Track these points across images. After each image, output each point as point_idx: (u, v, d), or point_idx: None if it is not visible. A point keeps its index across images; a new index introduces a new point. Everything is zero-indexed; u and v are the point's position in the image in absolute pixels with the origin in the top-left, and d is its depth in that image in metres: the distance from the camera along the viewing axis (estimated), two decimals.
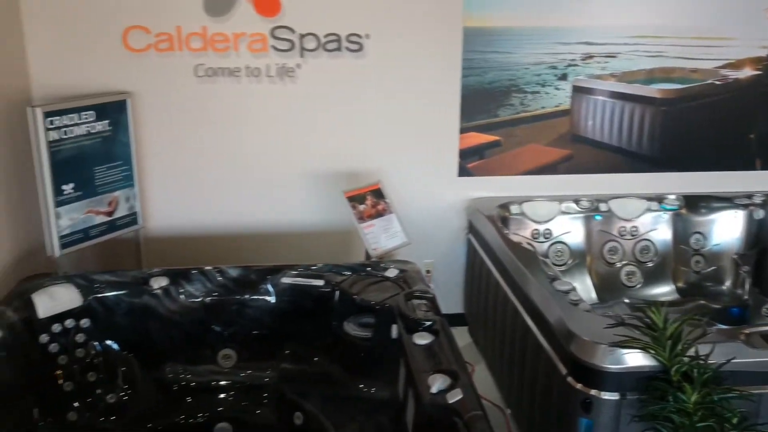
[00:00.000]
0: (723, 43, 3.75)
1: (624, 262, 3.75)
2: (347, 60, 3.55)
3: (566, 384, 2.38)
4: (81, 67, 3.40)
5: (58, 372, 2.73)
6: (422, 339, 2.42)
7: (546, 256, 3.65)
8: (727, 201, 3.81)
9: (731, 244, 3.80)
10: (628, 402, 2.28)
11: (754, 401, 2.26)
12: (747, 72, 3.81)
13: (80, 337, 2.82)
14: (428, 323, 2.50)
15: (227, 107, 3.56)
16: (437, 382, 2.14)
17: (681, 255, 3.78)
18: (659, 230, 3.78)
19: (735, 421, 2.19)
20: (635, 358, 2.25)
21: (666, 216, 3.79)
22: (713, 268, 3.78)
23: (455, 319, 3.82)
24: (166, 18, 3.39)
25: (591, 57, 3.69)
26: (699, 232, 3.80)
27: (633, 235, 3.76)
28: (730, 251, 3.79)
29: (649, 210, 3.78)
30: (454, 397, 2.05)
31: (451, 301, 3.94)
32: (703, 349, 2.25)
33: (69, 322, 2.78)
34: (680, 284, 3.75)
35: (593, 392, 2.29)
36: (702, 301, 3.62)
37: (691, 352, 2.24)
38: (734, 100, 3.83)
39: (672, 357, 2.20)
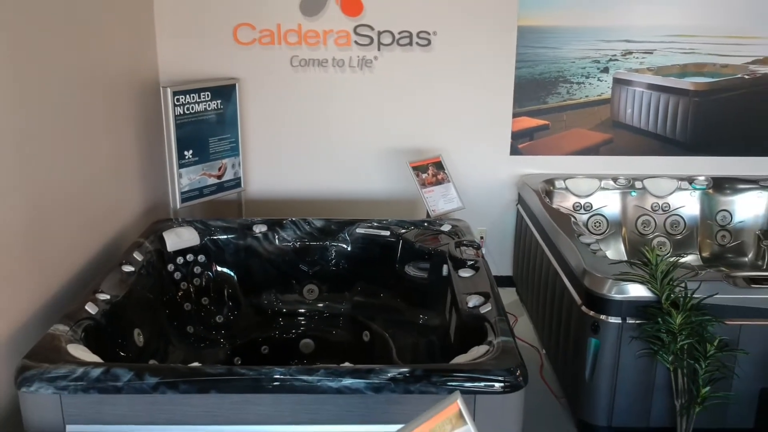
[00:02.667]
0: (753, 41, 4.18)
1: (655, 234, 4.23)
2: (417, 53, 4.17)
3: (581, 312, 2.95)
4: (199, 56, 4.14)
5: (180, 294, 3.46)
6: (466, 273, 3.03)
7: (585, 225, 4.18)
8: (752, 183, 4.24)
9: (755, 222, 4.22)
10: (628, 325, 2.84)
11: (725, 325, 2.76)
12: None
13: (197, 269, 3.53)
14: (471, 262, 3.11)
15: (316, 92, 4.23)
16: (473, 300, 2.75)
17: (707, 229, 4.24)
18: (688, 207, 4.24)
19: (716, 343, 2.72)
20: (634, 289, 2.81)
21: (695, 194, 4.25)
22: (737, 242, 4.22)
23: (504, 281, 4.39)
24: (268, 17, 4.09)
25: (630, 53, 4.20)
26: (725, 210, 4.25)
27: (664, 211, 4.24)
28: (754, 228, 4.21)
29: (679, 189, 4.25)
30: (485, 309, 2.64)
31: (501, 265, 4.50)
32: (693, 285, 2.78)
33: (189, 256, 3.50)
34: (705, 254, 4.21)
35: (601, 317, 2.86)
36: (722, 268, 4.07)
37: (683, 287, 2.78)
38: (761, 93, 4.26)
39: (663, 288, 2.74)
